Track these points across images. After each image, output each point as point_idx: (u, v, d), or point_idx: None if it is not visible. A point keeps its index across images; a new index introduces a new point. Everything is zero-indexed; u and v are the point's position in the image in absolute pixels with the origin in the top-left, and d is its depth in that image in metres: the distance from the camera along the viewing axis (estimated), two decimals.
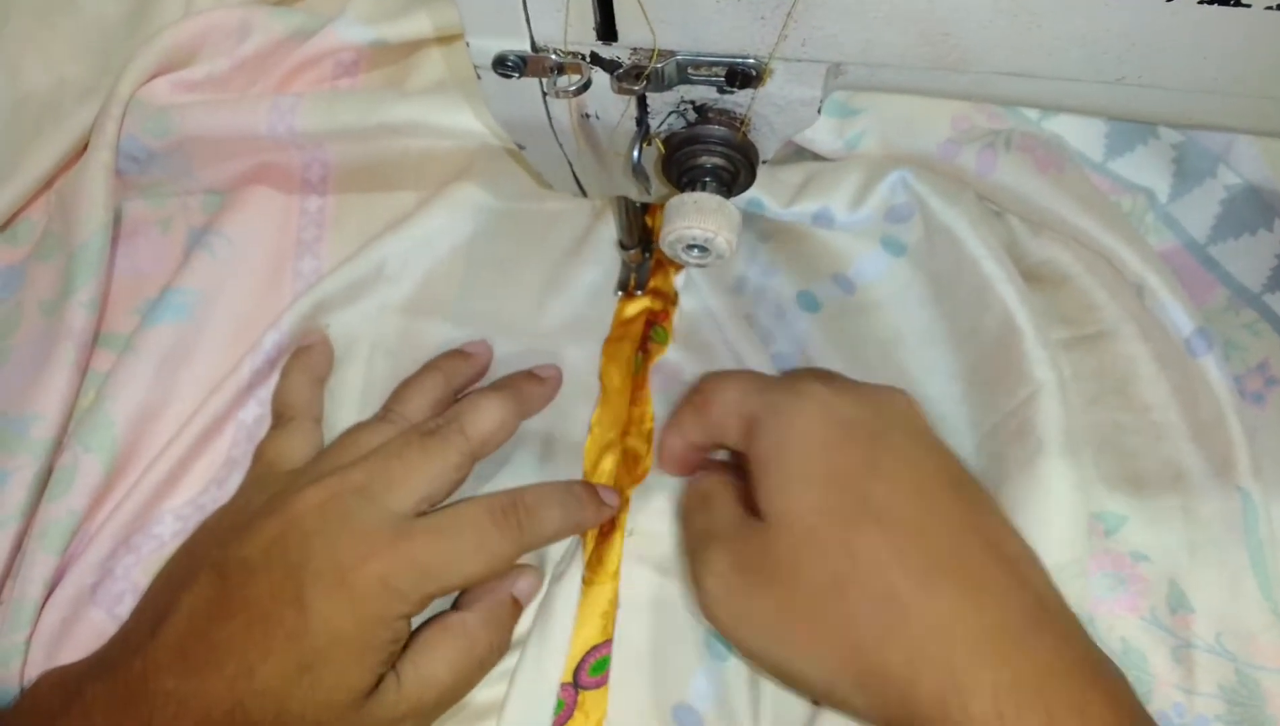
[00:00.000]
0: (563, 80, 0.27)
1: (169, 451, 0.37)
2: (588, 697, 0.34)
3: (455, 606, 0.35)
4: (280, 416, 0.38)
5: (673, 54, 0.26)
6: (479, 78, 0.27)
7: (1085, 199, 0.39)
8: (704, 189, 0.29)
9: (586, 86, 0.27)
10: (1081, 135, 0.41)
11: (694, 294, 0.41)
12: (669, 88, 0.27)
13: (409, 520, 0.32)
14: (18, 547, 0.35)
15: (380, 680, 0.31)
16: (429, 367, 0.38)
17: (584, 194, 0.36)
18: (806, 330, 0.41)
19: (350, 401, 0.39)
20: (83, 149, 0.41)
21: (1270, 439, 0.37)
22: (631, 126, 0.29)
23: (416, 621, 0.33)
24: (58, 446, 0.37)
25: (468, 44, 0.26)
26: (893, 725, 0.28)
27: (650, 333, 0.41)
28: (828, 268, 0.42)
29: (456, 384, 0.39)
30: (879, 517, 0.29)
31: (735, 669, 0.35)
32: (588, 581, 0.36)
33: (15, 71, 0.42)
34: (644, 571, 0.36)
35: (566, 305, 0.41)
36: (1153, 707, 0.34)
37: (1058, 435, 0.35)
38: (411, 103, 0.40)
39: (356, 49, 0.43)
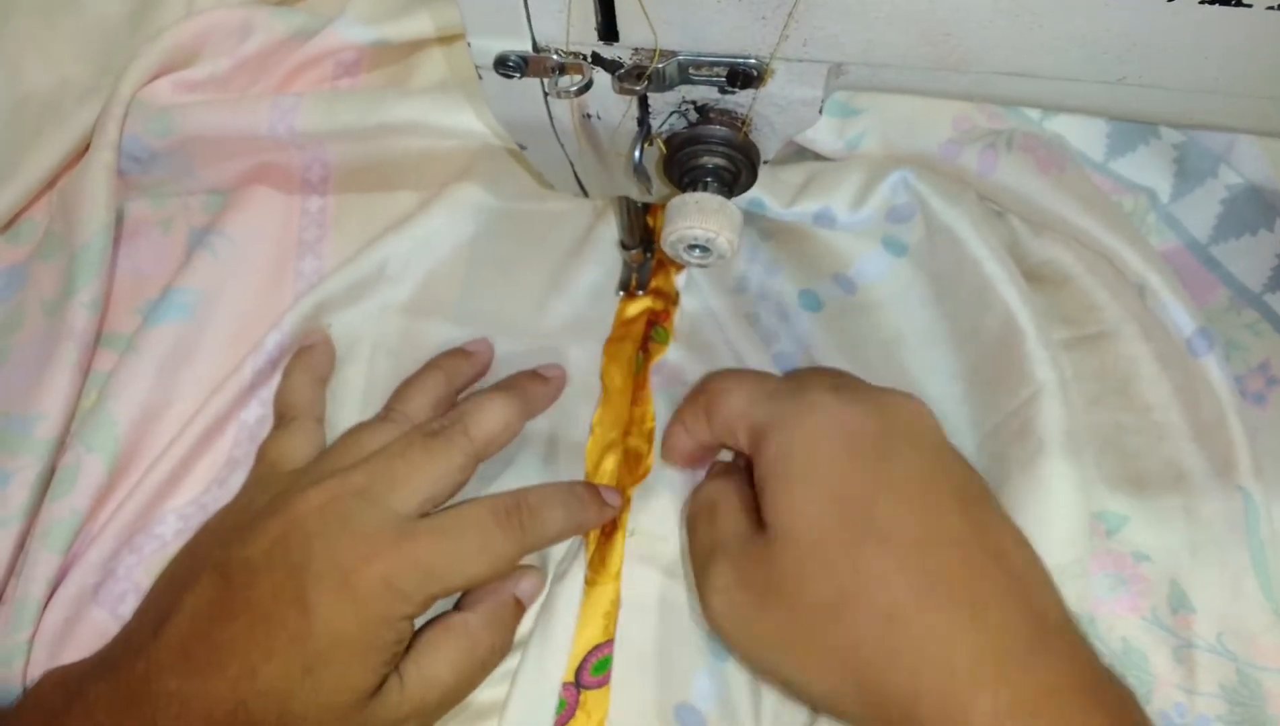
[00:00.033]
0: (564, 80, 0.27)
1: (171, 451, 0.37)
2: (590, 697, 0.34)
3: (457, 607, 0.35)
4: (282, 416, 0.38)
5: (674, 54, 0.26)
6: (480, 78, 0.27)
7: (1087, 199, 0.39)
8: (705, 189, 0.29)
9: (588, 87, 0.27)
10: (1083, 135, 0.41)
11: (695, 294, 0.41)
12: (670, 88, 0.27)
13: (412, 521, 0.32)
14: (20, 547, 0.35)
15: (383, 681, 0.31)
16: (430, 366, 0.38)
17: (585, 194, 0.36)
18: (808, 330, 0.41)
19: (352, 401, 0.39)
20: (84, 149, 0.41)
21: (1271, 439, 0.37)
22: (633, 127, 0.29)
23: (419, 622, 0.33)
24: (60, 446, 0.37)
25: (469, 44, 0.26)
26: None
27: (651, 332, 0.41)
28: (829, 267, 0.42)
29: (458, 383, 0.39)
30: (884, 536, 0.29)
31: (737, 669, 0.35)
32: (590, 581, 0.36)
33: (17, 71, 0.42)
34: (646, 571, 0.36)
35: (568, 305, 0.41)
36: (1153, 708, 0.34)
37: (1059, 435, 0.35)
38: (412, 102, 0.40)
39: (358, 49, 0.43)
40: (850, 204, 0.41)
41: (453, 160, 0.42)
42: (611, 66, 0.27)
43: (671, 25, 0.25)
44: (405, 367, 0.39)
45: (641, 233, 0.40)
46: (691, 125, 0.29)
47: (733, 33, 0.25)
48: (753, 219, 0.42)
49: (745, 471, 0.35)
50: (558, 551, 0.37)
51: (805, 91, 0.27)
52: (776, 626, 0.30)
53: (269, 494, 0.34)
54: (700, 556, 0.33)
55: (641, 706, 0.34)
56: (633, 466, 0.38)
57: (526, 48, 0.26)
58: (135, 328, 0.39)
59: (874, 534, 0.29)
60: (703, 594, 0.32)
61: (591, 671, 0.35)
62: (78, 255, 0.39)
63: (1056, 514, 0.34)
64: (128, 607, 0.35)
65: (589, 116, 0.30)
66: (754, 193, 0.41)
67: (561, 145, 0.31)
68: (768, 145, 0.30)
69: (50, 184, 0.43)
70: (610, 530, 0.37)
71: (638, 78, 0.26)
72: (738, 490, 0.34)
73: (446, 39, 0.44)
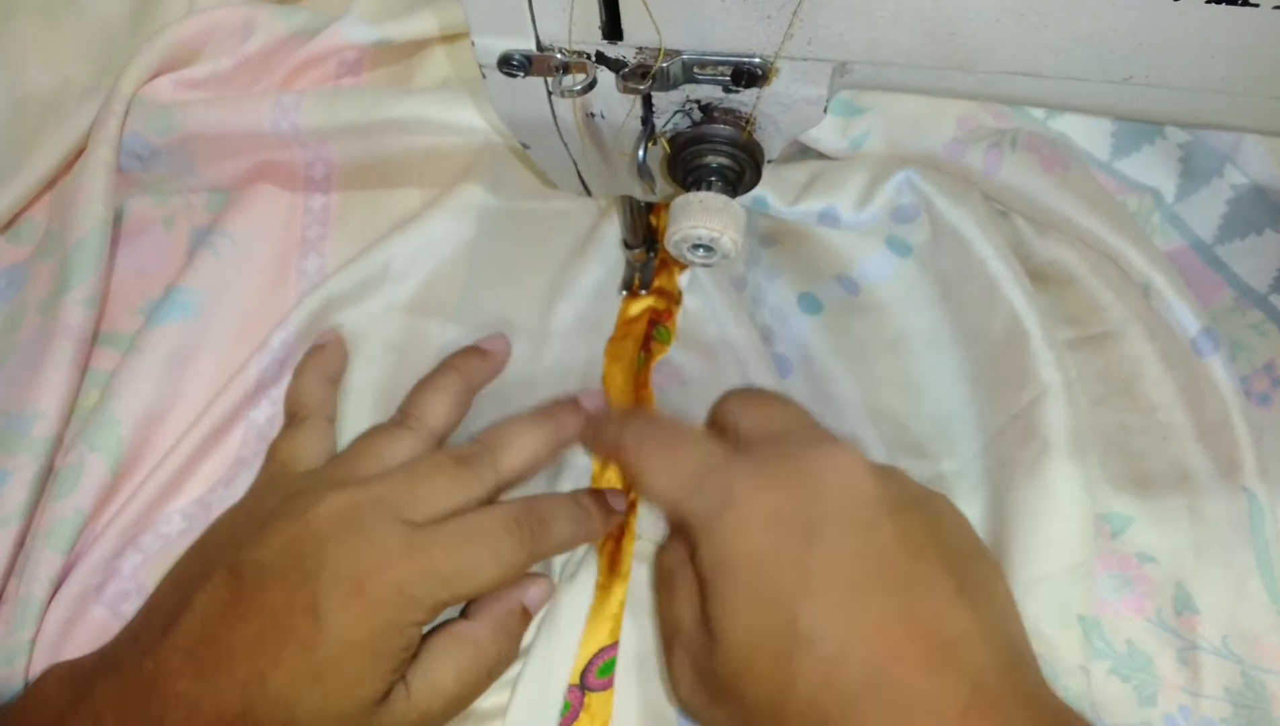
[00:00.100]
0: (568, 79, 0.27)
1: (176, 450, 0.37)
2: (594, 700, 0.34)
3: (464, 615, 0.34)
4: (293, 416, 0.38)
5: (678, 53, 0.26)
6: (484, 77, 0.27)
7: (1091, 198, 0.39)
8: (709, 188, 0.29)
9: (592, 86, 0.27)
10: (1088, 134, 0.41)
11: (698, 293, 0.41)
12: (674, 87, 0.27)
13: (423, 529, 0.32)
14: (19, 546, 0.35)
15: (390, 689, 0.31)
16: (446, 367, 0.38)
17: (589, 193, 0.36)
18: (807, 332, 0.41)
19: (356, 401, 0.39)
20: (85, 149, 0.41)
21: (1276, 439, 0.36)
22: (637, 126, 0.29)
23: (425, 631, 0.33)
24: (58, 445, 0.37)
25: (473, 43, 0.26)
26: None
27: (653, 332, 0.41)
28: (831, 269, 0.42)
29: (476, 383, 0.38)
30: (808, 642, 0.28)
31: None
32: (599, 585, 0.36)
33: (18, 71, 0.42)
34: (650, 574, 0.36)
35: (571, 305, 0.41)
36: (1158, 710, 0.34)
37: (1064, 437, 0.35)
38: (415, 99, 0.40)
39: (360, 48, 0.43)
40: (855, 203, 0.41)
41: (456, 158, 0.42)
42: (615, 65, 0.26)
43: (676, 24, 0.25)
44: (409, 367, 0.39)
45: (645, 232, 0.40)
46: (695, 124, 0.29)
47: (737, 32, 0.25)
48: (754, 220, 0.42)
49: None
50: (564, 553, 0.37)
51: (810, 90, 0.27)
52: (729, 719, 0.31)
53: (280, 494, 0.34)
54: (664, 632, 0.33)
55: (644, 709, 0.34)
56: None
57: (530, 47, 0.26)
58: (137, 327, 0.39)
59: (799, 642, 0.28)
60: (670, 674, 0.33)
61: (597, 674, 0.35)
62: (73, 251, 0.38)
63: (1062, 516, 0.34)
64: (130, 607, 0.35)
65: (593, 116, 0.29)
66: (758, 191, 0.41)
67: (565, 144, 0.31)
68: (772, 144, 0.30)
69: (51, 184, 0.43)
70: (617, 533, 0.37)
71: (642, 77, 0.26)
72: (691, 561, 0.33)
73: (450, 38, 0.44)
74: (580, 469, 0.39)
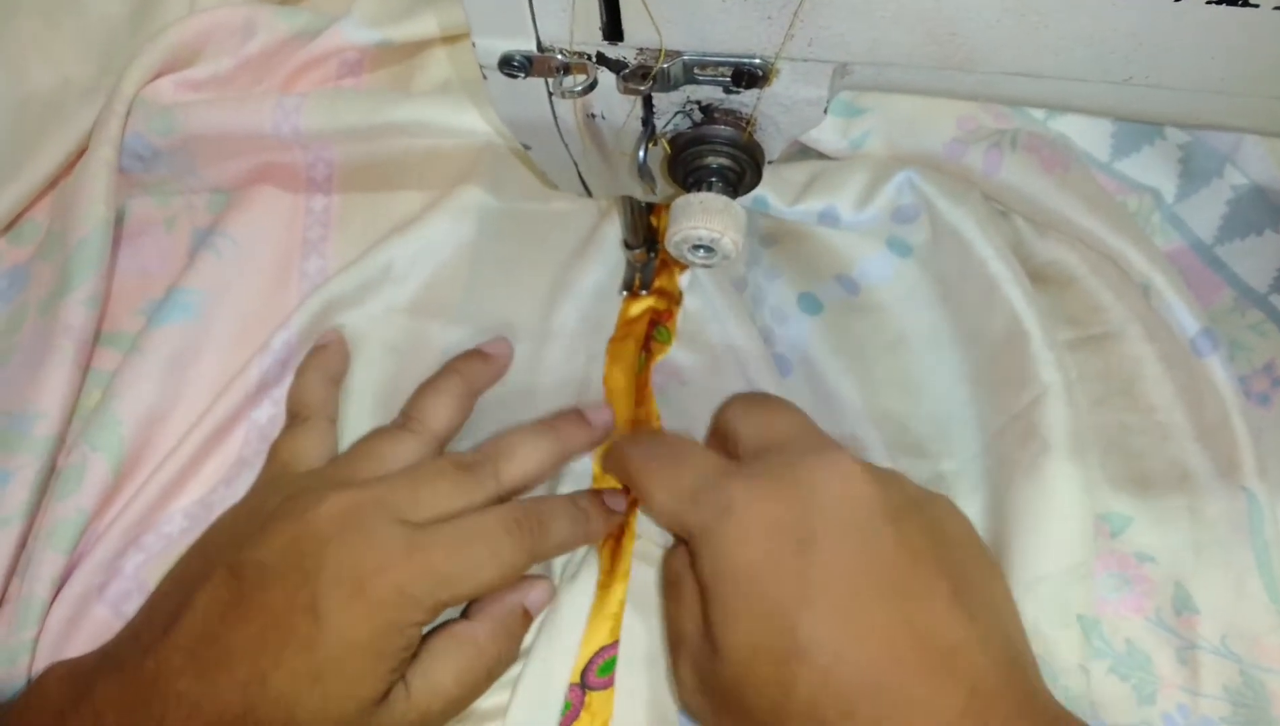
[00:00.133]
0: (568, 80, 0.27)
1: (179, 451, 0.37)
2: (595, 699, 0.34)
3: (464, 615, 0.35)
4: (295, 416, 0.38)
5: (679, 54, 0.26)
6: (485, 78, 0.27)
7: (1091, 199, 0.39)
8: (710, 189, 0.29)
9: (592, 86, 0.27)
10: (1088, 135, 0.41)
11: (699, 294, 0.41)
12: (675, 88, 0.27)
13: (424, 529, 0.32)
14: (21, 546, 0.35)
15: (389, 689, 0.31)
16: (449, 370, 0.38)
17: (589, 194, 0.36)
18: (808, 332, 0.41)
19: (356, 403, 0.39)
20: (86, 149, 0.41)
21: (1275, 439, 0.37)
22: (637, 127, 0.29)
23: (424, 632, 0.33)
24: (60, 445, 0.37)
25: (474, 44, 0.26)
26: None
27: (654, 332, 0.41)
28: (831, 269, 0.42)
29: (478, 386, 0.38)
30: (806, 650, 0.29)
31: None
32: (600, 584, 0.36)
33: (19, 72, 0.42)
34: (651, 573, 0.36)
35: (572, 305, 0.41)
36: (1157, 709, 0.34)
37: (1064, 438, 0.35)
38: (416, 102, 0.40)
39: (361, 49, 0.43)
40: (855, 203, 0.41)
41: (457, 159, 0.42)
42: (616, 66, 0.27)
43: (676, 25, 0.25)
44: (410, 369, 0.39)
45: (645, 232, 0.40)
46: (696, 125, 0.29)
47: (738, 32, 0.25)
48: (755, 220, 0.42)
49: None
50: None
51: (810, 91, 0.27)
52: (732, 725, 0.31)
53: (281, 494, 0.34)
54: (670, 638, 0.34)
55: (645, 708, 0.34)
56: None
57: (531, 48, 0.26)
58: (139, 327, 0.39)
59: (797, 651, 0.29)
60: (675, 681, 0.33)
61: (598, 672, 0.35)
62: (74, 251, 0.38)
63: (1061, 516, 0.34)
64: (132, 606, 0.35)
65: (593, 116, 0.30)
66: (758, 191, 0.41)
67: (566, 145, 0.31)
68: (772, 145, 0.30)
69: (53, 184, 0.43)
70: (618, 533, 0.37)
71: (642, 78, 0.26)
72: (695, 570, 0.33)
73: (450, 39, 0.44)
74: (580, 471, 0.39)
